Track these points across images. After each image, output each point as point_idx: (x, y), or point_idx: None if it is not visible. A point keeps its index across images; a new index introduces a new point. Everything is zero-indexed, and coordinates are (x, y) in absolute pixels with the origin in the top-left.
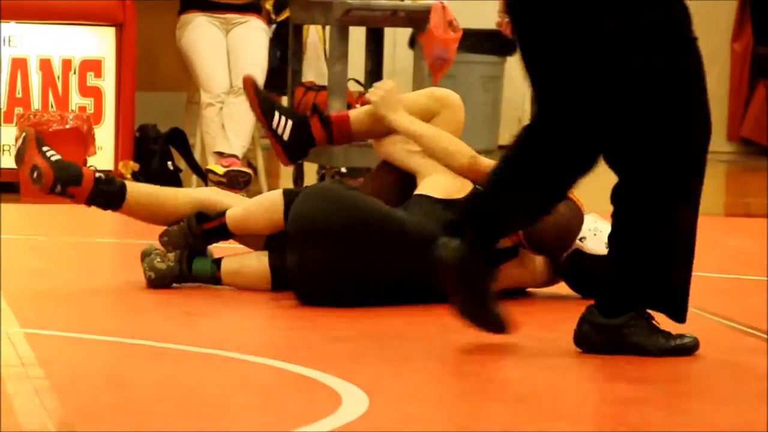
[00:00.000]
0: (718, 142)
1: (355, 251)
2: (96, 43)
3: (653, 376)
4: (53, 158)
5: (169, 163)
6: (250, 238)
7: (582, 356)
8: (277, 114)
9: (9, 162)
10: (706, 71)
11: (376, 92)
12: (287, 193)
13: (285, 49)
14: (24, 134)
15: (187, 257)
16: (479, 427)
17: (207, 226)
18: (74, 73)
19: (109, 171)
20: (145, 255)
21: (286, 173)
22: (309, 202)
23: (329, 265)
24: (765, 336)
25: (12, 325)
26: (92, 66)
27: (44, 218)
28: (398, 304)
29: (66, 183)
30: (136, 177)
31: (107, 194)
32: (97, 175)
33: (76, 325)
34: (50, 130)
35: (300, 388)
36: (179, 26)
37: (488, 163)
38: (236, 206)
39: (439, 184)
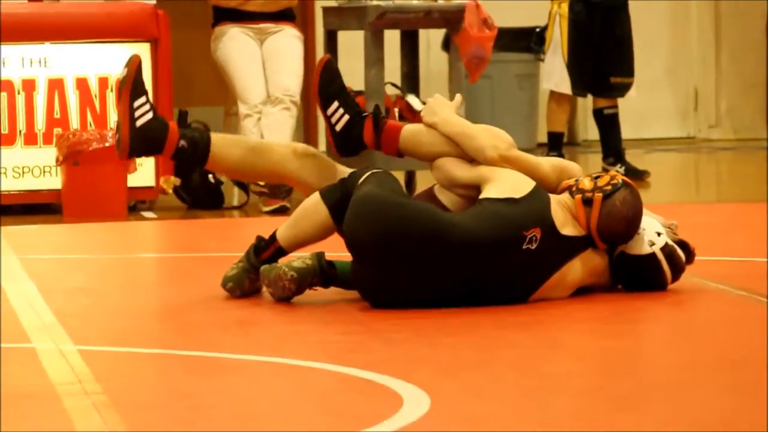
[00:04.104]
0: (758, 130)
1: (406, 257)
2: None
3: (711, 359)
4: (139, 121)
5: (210, 176)
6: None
7: (642, 348)
8: (335, 103)
9: (24, 184)
10: (742, 59)
11: (426, 106)
12: (325, 194)
13: None
14: (126, 69)
15: (323, 256)
16: (545, 423)
17: (264, 257)
18: (111, 90)
19: (151, 187)
20: (268, 269)
21: None
22: (359, 212)
23: (386, 273)
24: None
25: (65, 343)
26: None
27: (86, 237)
28: (452, 306)
29: (143, 153)
30: (178, 192)
31: (190, 160)
32: (181, 143)
33: (129, 340)
34: (90, 149)
35: (360, 391)
36: (214, 38)
37: (521, 155)
38: (283, 226)
39: (498, 186)
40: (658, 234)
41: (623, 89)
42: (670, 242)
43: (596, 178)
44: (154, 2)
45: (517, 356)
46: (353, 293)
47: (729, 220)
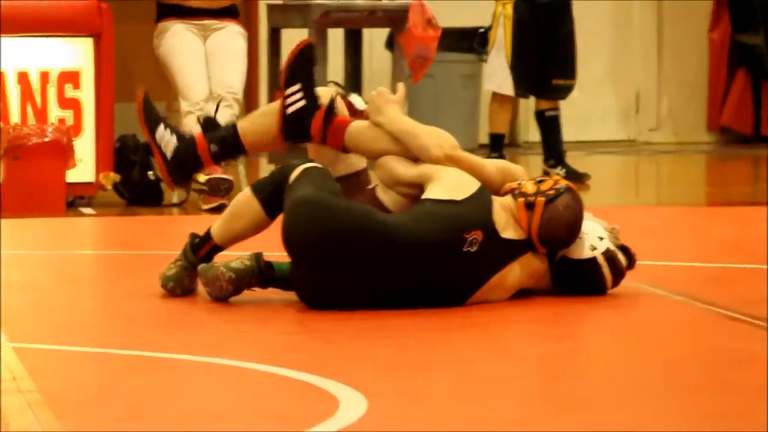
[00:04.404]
0: (698, 133)
1: (346, 260)
2: (73, 54)
3: (651, 361)
4: (168, 152)
5: (150, 173)
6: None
7: (582, 351)
8: (297, 86)
9: None
10: (685, 61)
11: (371, 103)
12: (256, 188)
13: None
14: (137, 103)
15: (262, 256)
16: (485, 425)
17: (201, 254)
18: (52, 85)
19: (90, 183)
20: (206, 269)
21: None
22: (296, 215)
23: (326, 276)
24: (761, 323)
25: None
26: (70, 77)
27: (24, 232)
28: (392, 307)
29: (186, 178)
30: (117, 188)
31: (230, 157)
32: (212, 150)
33: (65, 338)
34: (30, 143)
35: (296, 393)
36: (156, 34)
37: (466, 156)
38: (216, 222)
39: (441, 186)
40: (600, 238)
41: (565, 91)
42: (612, 247)
43: (539, 182)
44: None
45: (456, 358)
46: (292, 294)
47: (668, 223)
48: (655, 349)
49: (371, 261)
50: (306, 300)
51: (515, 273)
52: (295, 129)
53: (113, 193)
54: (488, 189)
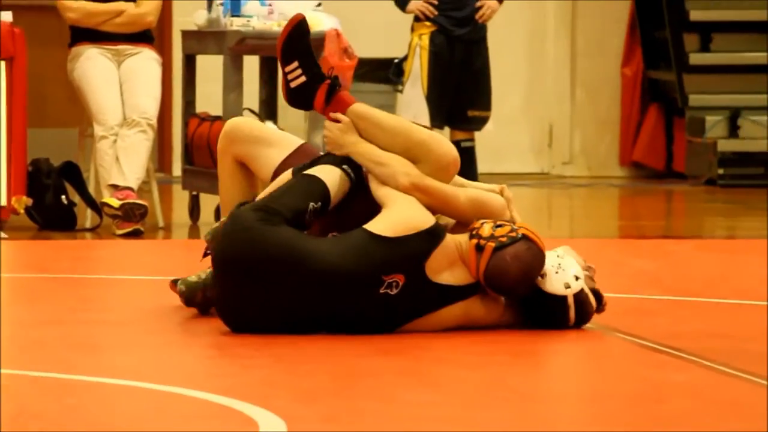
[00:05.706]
0: (611, 167)
1: (263, 282)
2: None
3: (574, 393)
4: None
5: (63, 197)
6: None
7: (501, 380)
8: (295, 63)
9: None
10: (598, 96)
11: (329, 140)
12: (296, 169)
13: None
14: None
15: None
16: None
17: None
18: None
19: (2, 207)
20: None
21: (182, 205)
22: (227, 230)
23: (245, 298)
24: (676, 353)
25: None
26: None
27: None
28: (311, 332)
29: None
30: (30, 212)
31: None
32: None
33: None
34: None
35: (215, 417)
36: (70, 58)
37: (436, 186)
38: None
39: (385, 218)
40: (576, 278)
41: (480, 122)
42: (586, 289)
43: (497, 226)
44: (11, 20)
45: (374, 384)
46: (211, 321)
47: (582, 255)
48: (577, 380)
49: (286, 284)
50: (224, 317)
51: (449, 316)
52: (297, 100)
53: (25, 217)
54: (461, 221)
